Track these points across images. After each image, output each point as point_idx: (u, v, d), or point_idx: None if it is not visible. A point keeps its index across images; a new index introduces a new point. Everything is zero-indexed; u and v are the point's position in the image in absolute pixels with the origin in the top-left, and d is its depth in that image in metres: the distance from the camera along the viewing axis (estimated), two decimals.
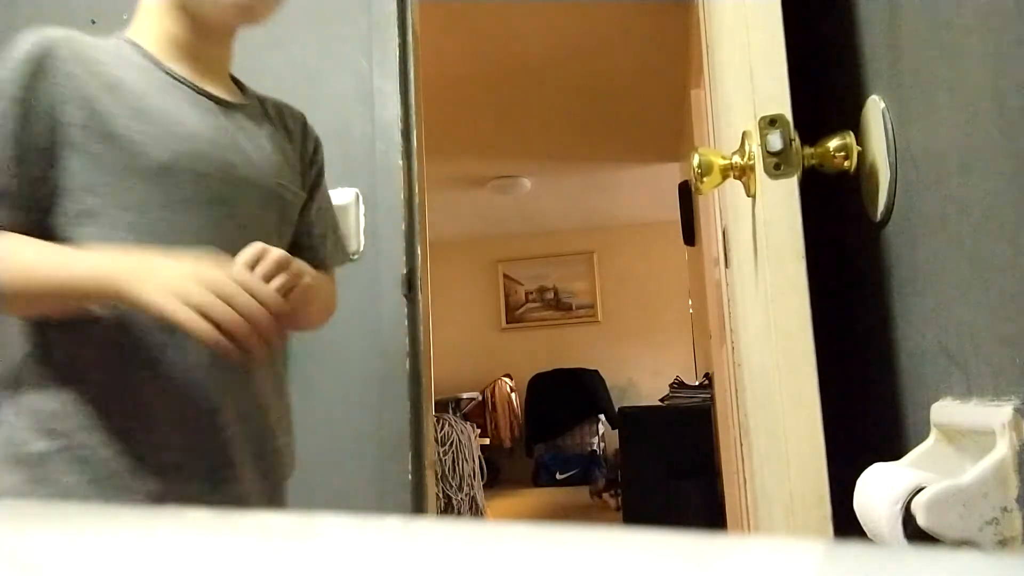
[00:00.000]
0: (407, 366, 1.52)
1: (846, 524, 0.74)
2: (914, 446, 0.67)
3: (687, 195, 3.64)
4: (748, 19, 0.88)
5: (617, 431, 4.47)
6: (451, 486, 4.18)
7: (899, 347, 0.85)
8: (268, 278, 0.85)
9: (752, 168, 0.88)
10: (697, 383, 4.35)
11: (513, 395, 6.35)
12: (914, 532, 0.53)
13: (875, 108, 0.85)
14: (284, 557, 0.24)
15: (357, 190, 1.59)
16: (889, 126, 0.81)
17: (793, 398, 0.81)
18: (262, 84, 1.68)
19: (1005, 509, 0.50)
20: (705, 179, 0.93)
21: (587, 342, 6.53)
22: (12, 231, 0.86)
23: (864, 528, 0.62)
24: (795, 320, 0.81)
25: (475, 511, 4.30)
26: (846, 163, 0.88)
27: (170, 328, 0.83)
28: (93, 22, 1.67)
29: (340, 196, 1.57)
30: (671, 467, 3.81)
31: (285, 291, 0.86)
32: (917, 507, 0.52)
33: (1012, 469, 0.50)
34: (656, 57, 3.34)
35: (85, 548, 0.26)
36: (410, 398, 1.51)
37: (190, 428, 0.91)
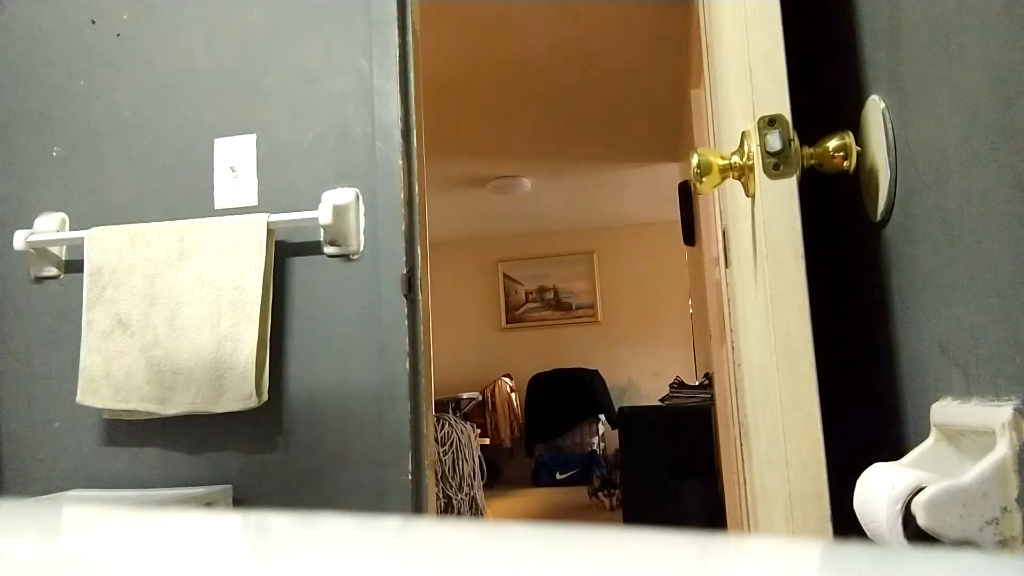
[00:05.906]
0: (407, 366, 1.52)
1: (846, 524, 0.74)
2: (914, 446, 0.67)
3: (687, 195, 3.64)
4: (747, 19, 0.88)
5: (617, 431, 4.47)
6: (451, 486, 4.18)
7: (899, 347, 0.85)
8: None
9: (751, 168, 0.88)
10: (697, 383, 4.35)
11: (513, 395, 6.35)
12: (914, 532, 0.52)
13: (875, 108, 0.85)
14: (284, 557, 0.24)
15: (357, 190, 1.59)
16: (889, 126, 0.81)
17: (793, 398, 0.81)
18: (263, 84, 1.68)
19: (1005, 509, 0.50)
20: (704, 179, 0.93)
21: (587, 342, 6.54)
22: None
23: (864, 528, 0.62)
24: (795, 320, 0.81)
25: (475, 511, 4.30)
26: (845, 163, 0.88)
27: None
28: (93, 22, 1.67)
29: (340, 196, 1.57)
30: (671, 467, 3.81)
31: None
32: (917, 507, 0.52)
33: (1012, 469, 0.50)
34: (656, 57, 3.34)
35: (79, 547, 0.26)
36: (410, 398, 1.51)
37: None
